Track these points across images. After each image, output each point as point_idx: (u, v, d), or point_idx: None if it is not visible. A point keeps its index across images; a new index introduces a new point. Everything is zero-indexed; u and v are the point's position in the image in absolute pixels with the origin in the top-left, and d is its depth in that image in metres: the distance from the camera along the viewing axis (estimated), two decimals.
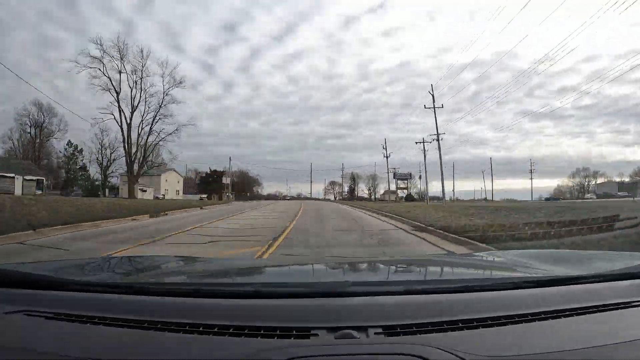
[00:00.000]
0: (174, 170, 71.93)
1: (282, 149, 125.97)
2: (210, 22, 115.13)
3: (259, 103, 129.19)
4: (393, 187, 69.63)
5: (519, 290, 1.16)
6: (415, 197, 70.80)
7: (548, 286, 1.20)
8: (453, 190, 59.57)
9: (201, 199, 58.00)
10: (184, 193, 74.87)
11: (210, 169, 76.08)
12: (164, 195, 62.37)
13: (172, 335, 0.96)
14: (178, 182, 75.99)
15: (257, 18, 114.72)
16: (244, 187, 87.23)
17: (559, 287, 1.20)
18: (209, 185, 72.80)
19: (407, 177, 73.42)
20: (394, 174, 55.93)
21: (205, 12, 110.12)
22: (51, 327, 1.04)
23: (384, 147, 56.94)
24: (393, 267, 2.04)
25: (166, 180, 69.71)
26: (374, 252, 7.61)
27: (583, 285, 1.22)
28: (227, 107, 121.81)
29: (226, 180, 71.28)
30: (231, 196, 71.47)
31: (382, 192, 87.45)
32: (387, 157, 57.16)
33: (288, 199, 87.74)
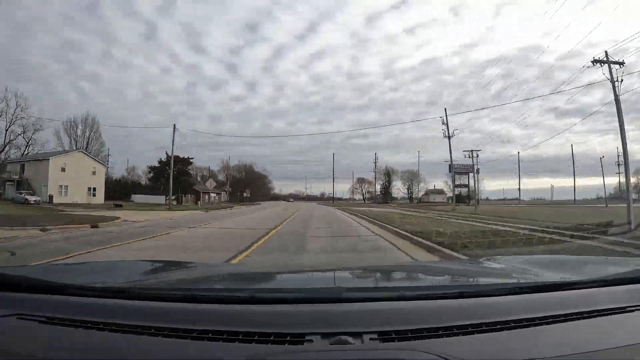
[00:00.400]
0: (85, 154, 46.81)
1: (306, 149, 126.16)
2: (231, 22, 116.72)
3: (284, 103, 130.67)
4: (439, 184, 61.30)
5: (515, 295, 1.16)
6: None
7: (543, 291, 1.20)
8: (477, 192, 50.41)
9: (116, 205, 33.99)
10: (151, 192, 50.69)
11: (168, 155, 43.94)
12: (49, 198, 37.74)
13: (166, 340, 0.95)
14: (94, 173, 46.37)
15: (279, 17, 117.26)
16: (250, 185, 76.07)
17: (555, 292, 1.20)
18: (175, 180, 42.58)
19: (467, 170, 53.45)
20: (449, 166, 42.02)
21: (226, 12, 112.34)
22: (44, 331, 1.04)
23: (444, 122, 38.18)
24: (388, 273, 2.04)
25: (63, 169, 41.88)
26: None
27: (578, 290, 1.22)
28: (252, 107, 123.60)
29: (208, 181, 50.94)
30: (216, 198, 60.66)
31: (422, 192, 79.45)
32: (448, 136, 38.38)
33: (291, 201, 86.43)
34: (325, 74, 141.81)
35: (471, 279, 1.75)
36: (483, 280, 1.66)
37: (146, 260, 2.50)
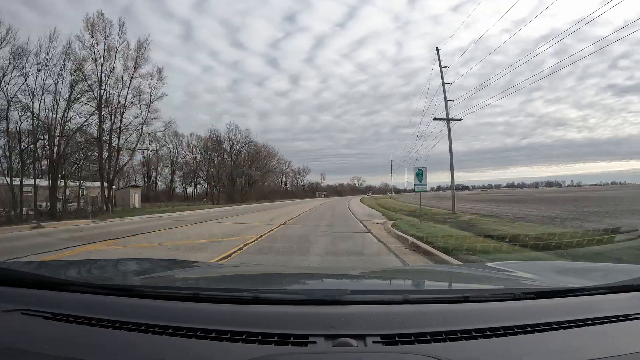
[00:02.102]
0: None
1: (356, 141, 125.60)
2: (269, 15, 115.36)
3: (329, 95, 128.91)
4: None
5: (518, 301, 1.15)
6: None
7: (548, 297, 1.18)
8: None
9: None
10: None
11: None
12: None
13: (169, 339, 0.96)
14: None
15: (317, 4, 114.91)
16: (257, 177, 60.08)
17: (559, 298, 1.19)
18: None
19: None
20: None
21: (264, 4, 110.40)
22: (48, 327, 1.05)
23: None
24: (392, 276, 2.05)
25: None
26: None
27: (583, 297, 1.20)
28: (298, 101, 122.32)
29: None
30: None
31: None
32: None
33: (324, 194, 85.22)
34: (369, 62, 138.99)
35: (476, 284, 1.72)
36: (488, 285, 1.64)
37: (151, 259, 2.48)
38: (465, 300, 1.15)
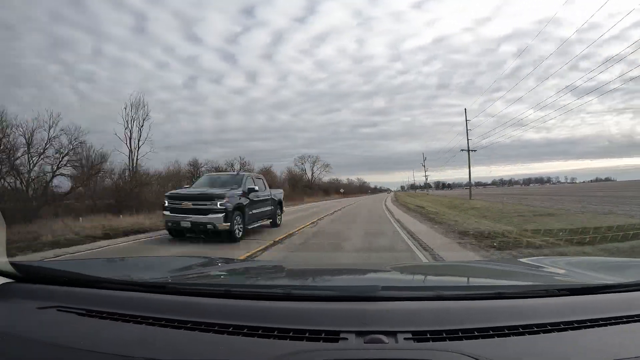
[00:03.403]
0: None
1: (315, 141, 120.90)
2: (227, 8, 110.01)
3: (287, 93, 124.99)
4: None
5: (552, 298, 1.13)
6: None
7: (581, 294, 1.16)
8: None
9: None
10: None
11: None
12: None
13: (202, 335, 0.98)
14: None
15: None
16: None
17: (594, 295, 1.17)
18: None
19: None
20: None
21: None
22: (83, 324, 1.09)
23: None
24: (424, 272, 2.03)
25: None
26: None
27: (617, 293, 1.18)
28: (255, 99, 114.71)
29: None
30: None
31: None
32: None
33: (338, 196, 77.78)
34: (329, 59, 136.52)
35: (509, 280, 1.70)
36: (520, 281, 1.62)
37: (183, 257, 2.57)
38: (498, 296, 1.14)
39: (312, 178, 68.39)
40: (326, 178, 70.66)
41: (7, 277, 1.32)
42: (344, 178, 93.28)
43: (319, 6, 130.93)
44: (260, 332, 0.96)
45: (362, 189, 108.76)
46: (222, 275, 1.87)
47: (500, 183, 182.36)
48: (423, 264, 3.32)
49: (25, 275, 1.34)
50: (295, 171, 63.96)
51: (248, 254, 7.30)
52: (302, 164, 68.20)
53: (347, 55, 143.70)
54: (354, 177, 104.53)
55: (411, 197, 53.83)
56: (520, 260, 2.25)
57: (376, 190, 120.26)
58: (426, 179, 79.61)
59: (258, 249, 7.89)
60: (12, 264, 1.33)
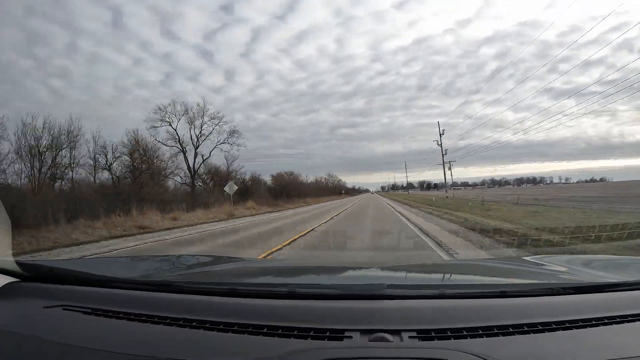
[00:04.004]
0: None
1: (294, 141, 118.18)
2: (205, 3, 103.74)
3: (266, 92, 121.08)
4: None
5: (557, 296, 1.13)
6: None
7: (586, 293, 1.16)
8: None
9: None
10: None
11: None
12: None
13: (206, 333, 0.98)
14: None
15: None
16: None
17: (598, 293, 1.16)
18: None
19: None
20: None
21: None
22: (89, 323, 1.09)
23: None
24: (428, 271, 2.02)
25: None
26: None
27: (623, 292, 1.18)
28: (233, 98, 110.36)
29: None
30: None
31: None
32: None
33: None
34: (309, 58, 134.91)
35: (513, 278, 1.70)
36: (525, 280, 1.62)
37: (188, 255, 2.57)
38: (503, 295, 1.14)
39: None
40: (267, 176, 47.16)
41: (13, 276, 1.33)
42: (310, 176, 73.66)
43: (299, 4, 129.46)
44: (265, 330, 0.97)
45: (335, 190, 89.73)
46: (227, 273, 1.87)
47: (491, 183, 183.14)
48: (427, 263, 3.31)
49: (31, 274, 1.34)
50: None
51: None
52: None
53: (327, 55, 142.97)
54: (322, 175, 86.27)
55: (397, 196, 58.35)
56: (524, 258, 2.25)
57: (354, 191, 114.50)
58: (407, 180, 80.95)
59: None
60: (18, 263, 1.34)
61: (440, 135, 37.13)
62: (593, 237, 6.77)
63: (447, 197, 34.71)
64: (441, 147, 37.07)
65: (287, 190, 44.63)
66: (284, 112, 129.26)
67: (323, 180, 78.07)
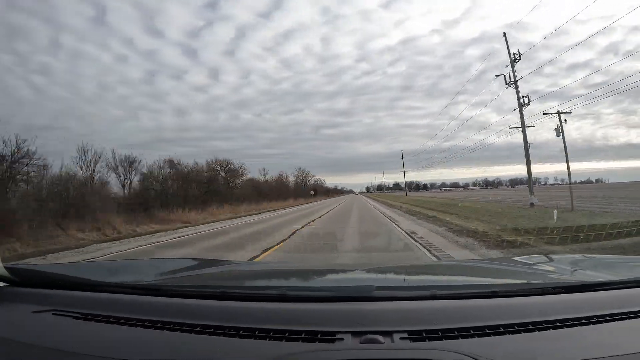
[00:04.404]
0: None
1: (277, 141, 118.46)
2: (189, 0, 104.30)
3: (250, 91, 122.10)
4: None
5: (547, 296, 1.14)
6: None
7: (576, 292, 1.17)
8: None
9: None
10: None
11: None
12: None
13: (197, 337, 0.98)
14: None
15: None
16: None
17: (588, 292, 1.18)
18: None
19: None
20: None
21: None
22: (78, 327, 1.08)
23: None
24: (419, 272, 2.03)
25: None
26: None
27: (612, 291, 1.19)
28: (217, 97, 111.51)
29: None
30: None
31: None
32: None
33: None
34: (294, 57, 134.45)
35: (503, 279, 1.72)
36: (516, 280, 1.63)
37: (179, 258, 2.55)
38: (493, 295, 1.14)
39: None
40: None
41: (2, 281, 1.31)
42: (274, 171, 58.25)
43: (285, 2, 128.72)
44: (256, 333, 0.96)
45: (304, 193, 59.50)
46: (218, 276, 1.86)
47: (484, 184, 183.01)
48: (417, 264, 3.32)
49: (20, 279, 1.33)
50: None
51: None
52: None
53: (313, 54, 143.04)
54: (289, 173, 62.48)
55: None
56: (514, 258, 2.27)
57: (333, 193, 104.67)
58: (383, 181, 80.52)
59: None
60: (6, 268, 1.33)
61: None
62: None
63: (459, 204, 29.88)
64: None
65: (213, 191, 28.21)
66: (268, 111, 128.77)
67: (288, 178, 56.35)
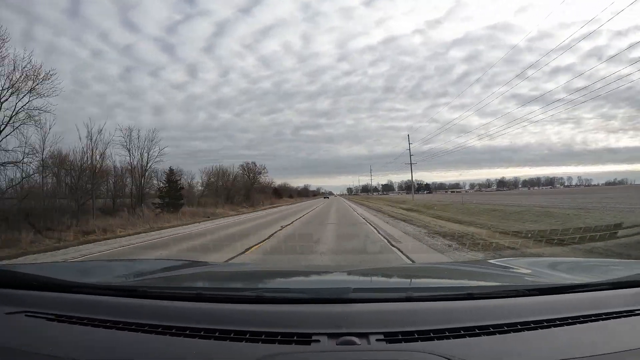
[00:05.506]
0: None
1: (257, 142, 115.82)
2: None
3: (229, 90, 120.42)
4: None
5: (522, 297, 1.16)
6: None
7: (552, 294, 1.19)
8: None
9: None
10: None
11: None
12: None
13: (173, 339, 0.96)
14: None
15: None
16: None
17: (563, 294, 1.19)
18: None
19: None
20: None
21: None
22: (52, 329, 1.06)
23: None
24: (395, 274, 2.04)
25: None
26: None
27: (586, 293, 1.21)
28: (196, 95, 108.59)
29: None
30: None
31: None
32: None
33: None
34: (274, 55, 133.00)
35: (479, 281, 1.74)
36: (491, 282, 1.65)
37: (156, 259, 2.44)
38: (469, 297, 1.15)
39: None
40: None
41: None
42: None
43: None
44: (232, 335, 0.95)
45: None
46: (194, 278, 1.85)
47: (479, 187, 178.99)
48: (394, 266, 3.32)
49: None
50: None
51: None
52: None
53: (293, 52, 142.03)
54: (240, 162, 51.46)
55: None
56: (490, 261, 2.28)
57: (304, 195, 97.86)
58: (370, 182, 78.33)
59: None
60: None
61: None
62: None
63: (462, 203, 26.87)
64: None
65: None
66: (247, 111, 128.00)
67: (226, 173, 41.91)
